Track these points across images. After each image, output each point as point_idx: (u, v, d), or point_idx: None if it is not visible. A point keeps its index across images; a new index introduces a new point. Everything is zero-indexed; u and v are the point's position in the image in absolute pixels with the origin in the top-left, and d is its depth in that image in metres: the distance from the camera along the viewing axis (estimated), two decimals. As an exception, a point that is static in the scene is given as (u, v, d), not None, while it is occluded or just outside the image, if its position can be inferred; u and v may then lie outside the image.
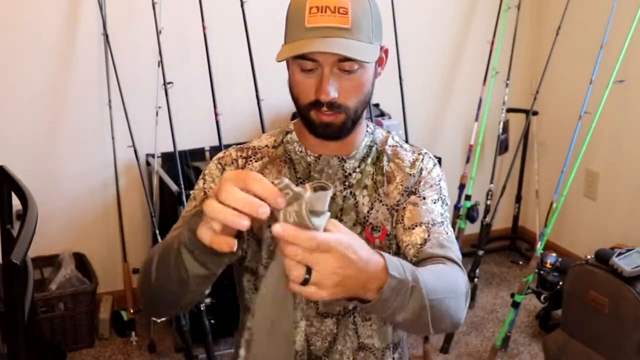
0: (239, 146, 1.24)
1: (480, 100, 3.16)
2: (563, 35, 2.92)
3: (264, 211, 0.75)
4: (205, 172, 1.21)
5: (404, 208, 1.15)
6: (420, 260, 1.06)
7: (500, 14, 3.15)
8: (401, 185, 1.18)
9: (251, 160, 1.20)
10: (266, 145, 1.21)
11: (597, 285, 2.26)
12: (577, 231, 3.26)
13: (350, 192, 1.17)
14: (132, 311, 2.76)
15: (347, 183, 1.17)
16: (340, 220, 1.15)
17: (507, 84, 3.17)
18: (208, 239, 0.80)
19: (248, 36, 2.58)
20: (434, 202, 1.15)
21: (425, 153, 1.22)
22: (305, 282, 0.77)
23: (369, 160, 1.19)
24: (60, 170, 2.79)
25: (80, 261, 2.80)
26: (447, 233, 1.11)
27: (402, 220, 1.13)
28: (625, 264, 2.17)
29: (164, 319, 0.97)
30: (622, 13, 2.65)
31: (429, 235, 1.09)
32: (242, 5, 2.57)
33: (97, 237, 2.89)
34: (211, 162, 1.23)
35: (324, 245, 0.76)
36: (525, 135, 3.30)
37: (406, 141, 1.42)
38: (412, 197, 1.16)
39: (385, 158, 1.20)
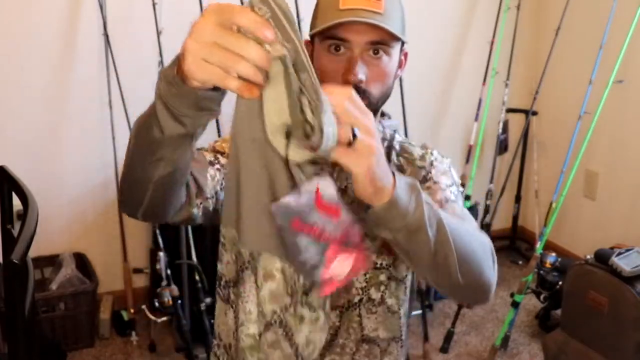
0: None
1: (480, 100, 3.16)
2: (563, 35, 2.92)
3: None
4: (214, 141, 1.19)
5: None
6: None
7: (500, 14, 3.15)
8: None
9: None
10: None
11: (596, 285, 2.26)
12: (577, 231, 3.26)
13: None
14: (132, 311, 2.77)
15: None
16: None
17: (507, 84, 3.18)
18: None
19: (248, 36, 2.58)
20: (448, 186, 1.15)
21: (432, 147, 1.23)
22: (350, 144, 0.76)
23: None
24: (61, 170, 2.79)
25: (81, 261, 2.80)
26: (462, 209, 1.10)
27: None
28: (624, 263, 2.17)
29: (139, 214, 0.86)
30: (622, 13, 2.65)
31: (443, 208, 1.05)
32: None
33: (97, 237, 2.89)
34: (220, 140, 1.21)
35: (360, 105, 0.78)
36: (525, 135, 3.30)
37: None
38: (427, 183, 1.15)
39: (393, 152, 1.19)
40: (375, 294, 1.15)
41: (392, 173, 0.84)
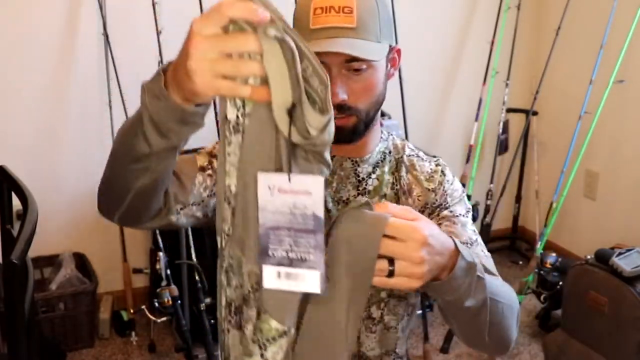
0: None
1: (480, 100, 3.16)
2: (563, 35, 2.92)
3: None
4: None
5: (437, 223, 1.11)
6: None
7: (500, 14, 3.15)
8: (419, 199, 1.15)
9: None
10: None
11: (597, 285, 2.26)
12: (577, 231, 3.26)
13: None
14: (132, 311, 2.76)
15: (361, 188, 1.14)
16: None
17: (507, 84, 3.17)
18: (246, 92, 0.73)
19: (248, 36, 2.57)
20: (465, 217, 1.14)
21: (444, 165, 1.19)
22: (390, 274, 0.78)
23: (386, 168, 1.16)
24: (61, 170, 2.79)
25: (81, 261, 2.80)
26: (484, 252, 1.10)
27: None
28: (625, 264, 2.17)
29: (116, 218, 0.87)
30: (622, 13, 2.65)
31: None
32: (242, 5, 2.57)
33: (97, 237, 2.89)
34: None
35: (403, 232, 0.78)
36: (525, 135, 3.30)
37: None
38: (444, 213, 1.13)
39: (403, 168, 1.16)
40: (375, 312, 1.14)
41: (454, 248, 0.86)
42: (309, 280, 0.75)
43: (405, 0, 3.01)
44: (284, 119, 0.72)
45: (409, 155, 1.19)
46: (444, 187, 1.15)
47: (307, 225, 0.74)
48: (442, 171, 1.17)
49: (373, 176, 1.15)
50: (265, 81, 0.71)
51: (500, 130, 3.19)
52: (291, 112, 0.72)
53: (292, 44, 0.69)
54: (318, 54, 0.98)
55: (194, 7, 2.57)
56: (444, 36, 3.28)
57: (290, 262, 0.75)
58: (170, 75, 0.79)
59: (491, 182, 3.18)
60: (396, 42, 1.14)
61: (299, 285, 0.75)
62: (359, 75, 1.03)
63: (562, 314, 2.48)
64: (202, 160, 1.11)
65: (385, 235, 0.79)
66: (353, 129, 1.07)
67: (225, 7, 0.69)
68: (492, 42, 3.14)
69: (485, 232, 3.06)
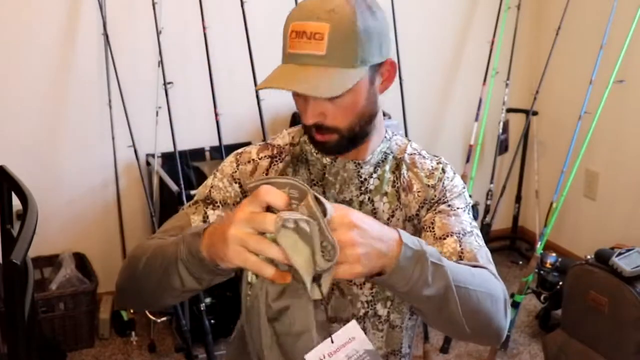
0: (262, 144, 1.22)
1: (480, 100, 3.16)
2: (563, 35, 2.92)
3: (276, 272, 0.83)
4: (219, 168, 1.20)
5: (434, 216, 1.13)
6: None
7: (500, 14, 3.15)
8: (419, 195, 1.15)
9: (277, 161, 1.18)
10: (288, 144, 1.20)
11: (597, 285, 2.26)
12: (577, 231, 3.26)
13: (369, 198, 1.15)
14: (132, 311, 2.76)
15: (363, 188, 1.15)
16: None
17: (507, 84, 3.17)
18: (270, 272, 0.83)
19: (248, 36, 2.58)
20: (463, 210, 1.14)
21: (445, 163, 1.19)
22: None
23: (387, 167, 1.16)
24: (61, 170, 2.79)
25: (81, 261, 2.80)
26: (478, 242, 1.10)
27: (432, 229, 1.11)
28: (625, 264, 2.17)
29: (132, 309, 1.08)
30: (622, 13, 2.65)
31: (460, 246, 1.08)
32: (242, 5, 2.57)
33: (97, 237, 2.89)
34: (229, 156, 1.21)
35: (332, 223, 0.82)
36: (525, 135, 3.30)
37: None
38: (442, 207, 1.14)
39: (404, 166, 1.17)
40: (381, 310, 1.14)
41: (397, 238, 0.88)
42: None
43: (406, 1, 3.01)
44: (309, 282, 0.83)
45: (411, 154, 1.19)
46: (443, 183, 1.16)
47: None
48: (442, 169, 1.17)
49: (374, 176, 1.16)
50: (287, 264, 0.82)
51: (500, 130, 3.19)
52: (314, 277, 0.83)
53: (308, 229, 0.79)
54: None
55: (194, 7, 2.58)
56: (444, 36, 3.29)
57: None
58: (209, 234, 0.89)
59: (491, 182, 3.19)
60: (396, 52, 1.13)
61: None
62: (334, 100, 1.02)
63: (562, 314, 2.48)
64: (196, 220, 1.14)
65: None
66: (336, 145, 1.08)
67: (263, 194, 0.82)
68: (492, 42, 3.14)
69: (485, 232, 3.06)
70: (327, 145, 1.08)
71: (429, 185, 1.16)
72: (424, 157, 1.19)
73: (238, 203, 1.13)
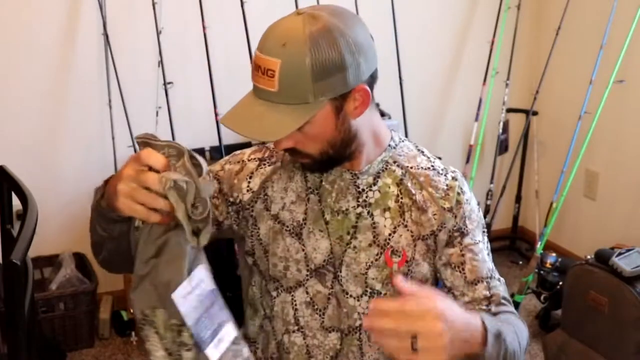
0: (259, 146, 1.23)
1: (480, 100, 3.16)
2: (563, 35, 2.92)
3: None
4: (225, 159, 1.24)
5: (462, 253, 1.14)
6: None
7: (500, 14, 3.15)
8: (435, 218, 1.14)
9: (264, 164, 1.19)
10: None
11: (597, 285, 2.26)
12: (577, 231, 3.26)
13: (368, 212, 1.13)
14: (132, 311, 2.76)
15: (360, 200, 1.13)
16: (353, 239, 1.13)
17: (507, 84, 3.17)
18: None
19: (248, 36, 2.58)
20: (484, 242, 1.18)
21: (462, 180, 1.18)
22: (414, 350, 0.83)
23: (389, 179, 1.14)
24: (60, 170, 2.79)
25: (81, 261, 2.80)
26: (500, 281, 1.16)
27: (463, 270, 1.14)
28: (625, 264, 2.17)
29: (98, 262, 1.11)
30: (622, 13, 2.65)
31: (490, 292, 1.14)
32: (242, 5, 2.57)
33: (97, 237, 2.89)
34: (228, 156, 1.24)
35: (422, 308, 0.84)
36: (525, 135, 3.30)
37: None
38: (467, 240, 1.14)
39: (416, 184, 1.15)
40: None
41: (480, 325, 0.93)
42: (229, 332, 0.98)
43: (406, 1, 3.01)
44: (188, 229, 0.93)
45: (425, 169, 1.16)
46: (463, 208, 1.15)
47: (211, 300, 0.96)
48: (459, 189, 1.16)
49: (374, 187, 1.14)
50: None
51: (500, 130, 3.20)
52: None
53: (185, 187, 0.89)
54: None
55: (194, 7, 2.58)
56: (444, 36, 3.28)
57: (215, 333, 0.96)
58: (107, 189, 0.96)
59: (491, 182, 3.18)
60: (373, 76, 1.05)
61: (226, 341, 0.97)
62: (301, 130, 1.01)
63: (562, 314, 2.48)
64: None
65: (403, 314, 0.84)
66: (313, 166, 1.10)
67: (145, 157, 0.89)
68: (492, 42, 3.14)
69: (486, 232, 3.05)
70: (306, 166, 1.11)
71: (444, 208, 1.14)
72: (438, 172, 1.17)
73: (213, 198, 1.16)
